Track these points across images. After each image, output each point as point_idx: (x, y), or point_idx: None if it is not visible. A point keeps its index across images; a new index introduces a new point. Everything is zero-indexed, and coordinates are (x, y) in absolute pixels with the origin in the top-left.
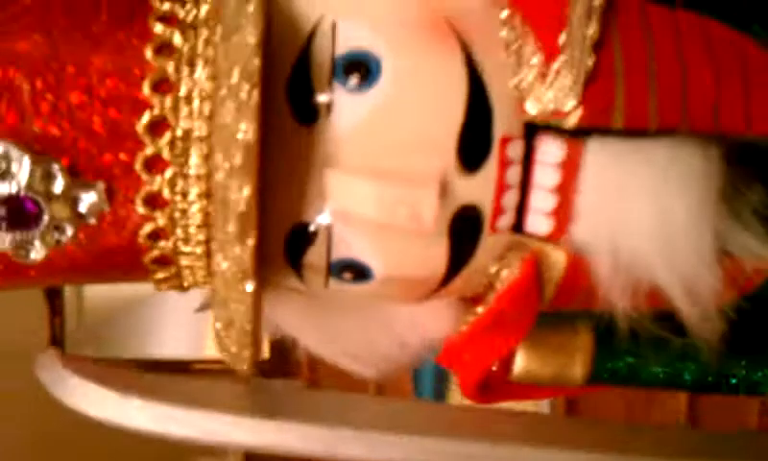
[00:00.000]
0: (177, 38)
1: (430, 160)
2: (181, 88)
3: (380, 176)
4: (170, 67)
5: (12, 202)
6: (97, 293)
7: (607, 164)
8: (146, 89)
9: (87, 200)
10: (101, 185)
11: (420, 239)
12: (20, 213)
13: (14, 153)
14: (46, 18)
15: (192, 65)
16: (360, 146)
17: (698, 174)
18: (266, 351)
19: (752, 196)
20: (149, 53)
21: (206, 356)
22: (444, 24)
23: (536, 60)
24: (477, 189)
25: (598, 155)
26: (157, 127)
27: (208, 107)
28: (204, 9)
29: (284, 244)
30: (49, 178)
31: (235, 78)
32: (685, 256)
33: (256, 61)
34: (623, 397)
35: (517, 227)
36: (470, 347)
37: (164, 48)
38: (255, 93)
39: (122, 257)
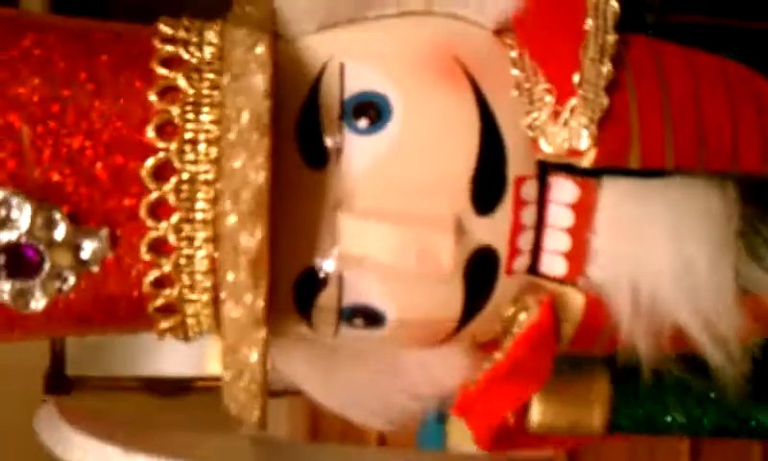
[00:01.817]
0: (181, 81)
1: (444, 202)
2: (187, 132)
3: (393, 219)
4: (175, 110)
5: (12, 250)
6: None
7: (622, 204)
8: (150, 133)
9: (90, 247)
10: (104, 232)
11: (436, 283)
12: (20, 261)
13: (15, 200)
14: (46, 62)
15: (198, 108)
16: (371, 188)
17: (716, 213)
18: None
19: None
20: (152, 96)
21: (209, 374)
22: (453, 63)
23: (548, 98)
24: (492, 231)
25: (613, 195)
26: (162, 171)
27: (215, 150)
28: (209, 51)
29: (293, 290)
30: (50, 225)
31: (245, 122)
32: (707, 296)
33: (267, 105)
34: (627, 443)
35: (533, 268)
36: (487, 395)
37: (168, 91)
38: (266, 139)
39: (125, 306)
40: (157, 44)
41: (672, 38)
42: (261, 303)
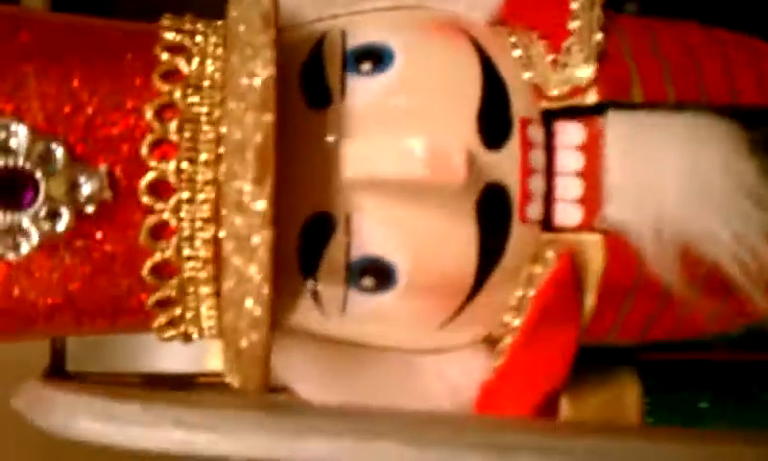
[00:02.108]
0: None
1: (451, 135)
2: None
3: (401, 132)
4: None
5: (6, 175)
6: None
7: (630, 137)
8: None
9: (87, 184)
10: (103, 169)
11: (448, 220)
12: (13, 189)
13: (13, 125)
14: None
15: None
16: (376, 117)
17: (724, 133)
18: None
19: None
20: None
21: (210, 370)
22: (452, 24)
23: (545, 51)
24: (502, 167)
25: (620, 128)
26: (165, 112)
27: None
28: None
29: (299, 242)
30: (48, 155)
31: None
32: (729, 206)
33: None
34: None
35: (547, 225)
36: (510, 379)
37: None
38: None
39: (120, 267)
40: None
41: None
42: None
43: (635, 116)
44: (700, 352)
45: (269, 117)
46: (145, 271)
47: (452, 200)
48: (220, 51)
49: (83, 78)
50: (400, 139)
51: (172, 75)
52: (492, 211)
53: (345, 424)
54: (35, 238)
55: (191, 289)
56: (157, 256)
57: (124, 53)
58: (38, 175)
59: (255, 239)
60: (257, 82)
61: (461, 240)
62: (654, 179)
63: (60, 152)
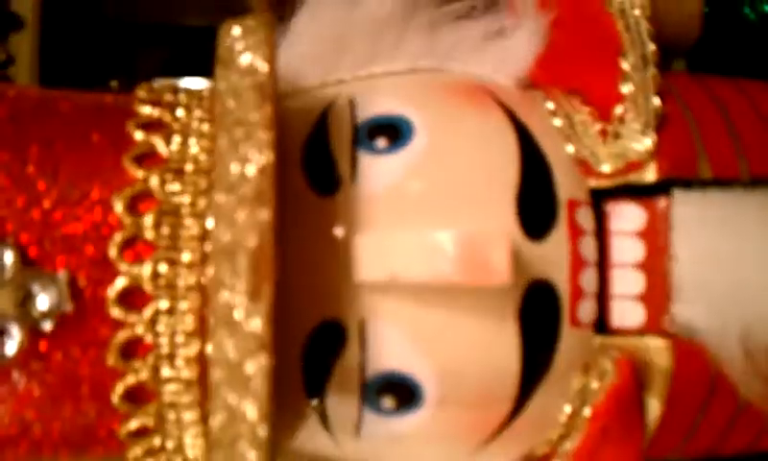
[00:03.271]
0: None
1: (486, 218)
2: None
3: (426, 222)
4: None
5: None
6: None
7: (700, 221)
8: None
9: (43, 296)
10: (62, 276)
11: (485, 325)
12: None
13: None
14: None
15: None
16: (395, 205)
17: None
18: None
19: None
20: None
21: None
22: (481, 90)
23: (592, 120)
24: (548, 260)
25: (687, 212)
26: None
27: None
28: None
29: (302, 357)
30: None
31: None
32: None
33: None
34: None
35: (602, 327)
36: None
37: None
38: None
39: (88, 392)
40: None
41: None
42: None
43: (704, 196)
44: None
45: (265, 215)
46: (116, 396)
47: (490, 301)
48: (206, 127)
49: (39, 163)
50: (426, 233)
51: (148, 158)
52: (538, 314)
53: None
54: None
55: (172, 416)
56: (130, 379)
57: (90, 132)
58: None
59: (250, 367)
60: (251, 170)
61: (501, 348)
62: (732, 272)
63: (8, 256)
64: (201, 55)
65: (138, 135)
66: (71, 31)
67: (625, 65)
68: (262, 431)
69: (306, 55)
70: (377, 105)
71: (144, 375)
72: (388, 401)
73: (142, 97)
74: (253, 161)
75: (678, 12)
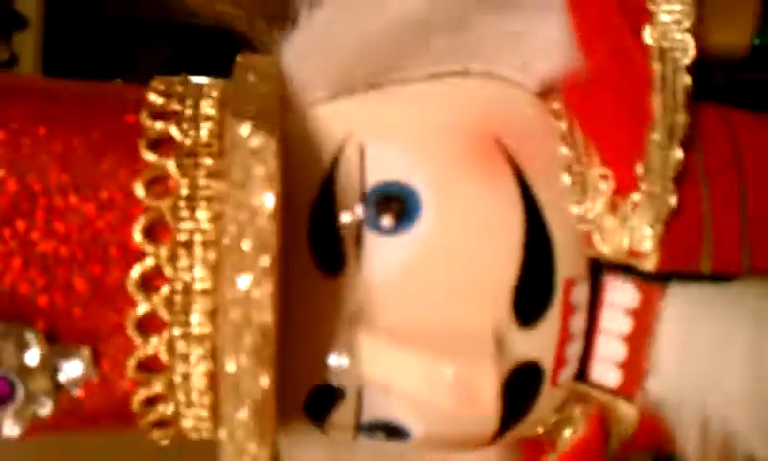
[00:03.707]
0: (172, 168)
1: (482, 317)
2: (180, 233)
3: (423, 343)
4: (165, 205)
5: None
6: None
7: (691, 314)
8: (137, 235)
9: (69, 369)
10: (85, 351)
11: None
12: None
13: None
14: (17, 155)
15: (193, 203)
16: (396, 300)
17: None
18: None
19: None
20: (139, 190)
21: None
22: (493, 146)
23: (604, 186)
24: (537, 345)
25: (681, 303)
26: (152, 280)
27: (213, 255)
28: (206, 128)
29: (305, 402)
30: (22, 347)
31: (248, 247)
32: None
33: (272, 227)
34: None
35: (581, 374)
36: None
37: (158, 182)
38: (271, 281)
39: (111, 422)
40: (146, 121)
41: (744, 98)
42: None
43: (700, 290)
44: None
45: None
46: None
47: None
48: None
49: None
50: (423, 364)
51: None
52: (522, 386)
53: None
54: (17, 429)
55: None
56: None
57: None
58: (13, 376)
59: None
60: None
61: (482, 417)
62: (709, 371)
63: (35, 341)
64: (202, 53)
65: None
66: (74, 30)
67: (648, 139)
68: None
69: (317, 65)
70: (388, 166)
71: (158, 302)
72: (379, 435)
73: (153, 102)
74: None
75: (725, 36)
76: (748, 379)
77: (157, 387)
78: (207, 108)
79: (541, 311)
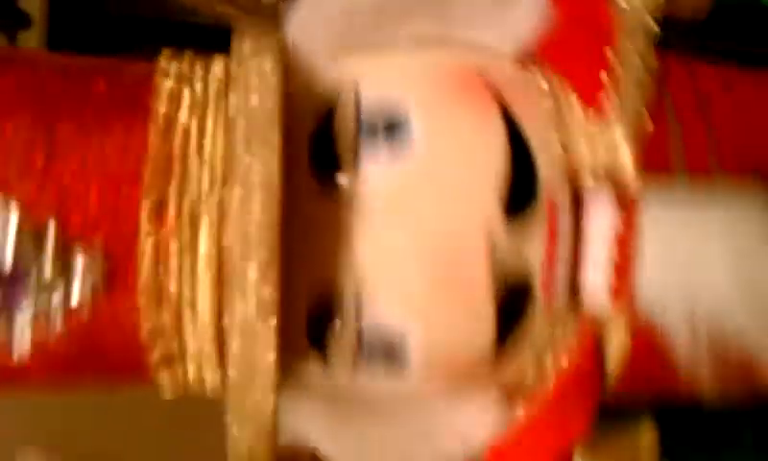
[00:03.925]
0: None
1: (473, 223)
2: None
3: (418, 229)
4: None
5: None
6: None
7: (671, 222)
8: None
9: (82, 267)
10: (98, 247)
11: (465, 303)
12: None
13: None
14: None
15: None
16: (393, 207)
17: None
18: None
19: None
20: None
21: None
22: (477, 78)
23: (580, 109)
24: (526, 243)
25: (660, 211)
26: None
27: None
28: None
29: (307, 318)
30: (40, 238)
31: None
32: None
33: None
34: None
35: (571, 301)
36: (521, 447)
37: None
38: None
39: (120, 354)
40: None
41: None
42: (272, 356)
43: (677, 198)
44: None
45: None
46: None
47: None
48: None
49: None
50: (419, 237)
51: None
52: (513, 300)
53: None
54: (27, 332)
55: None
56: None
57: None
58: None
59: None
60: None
61: (478, 321)
62: (693, 274)
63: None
64: (204, 52)
65: None
66: (78, 28)
67: (613, 55)
68: None
69: (318, 32)
70: (381, 97)
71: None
72: (378, 360)
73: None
74: None
75: None
76: (730, 270)
77: (165, 317)
78: (216, 68)
79: (528, 211)
